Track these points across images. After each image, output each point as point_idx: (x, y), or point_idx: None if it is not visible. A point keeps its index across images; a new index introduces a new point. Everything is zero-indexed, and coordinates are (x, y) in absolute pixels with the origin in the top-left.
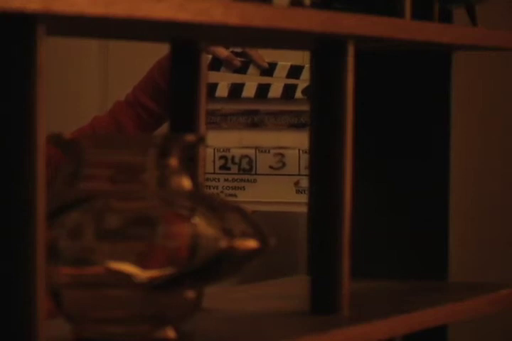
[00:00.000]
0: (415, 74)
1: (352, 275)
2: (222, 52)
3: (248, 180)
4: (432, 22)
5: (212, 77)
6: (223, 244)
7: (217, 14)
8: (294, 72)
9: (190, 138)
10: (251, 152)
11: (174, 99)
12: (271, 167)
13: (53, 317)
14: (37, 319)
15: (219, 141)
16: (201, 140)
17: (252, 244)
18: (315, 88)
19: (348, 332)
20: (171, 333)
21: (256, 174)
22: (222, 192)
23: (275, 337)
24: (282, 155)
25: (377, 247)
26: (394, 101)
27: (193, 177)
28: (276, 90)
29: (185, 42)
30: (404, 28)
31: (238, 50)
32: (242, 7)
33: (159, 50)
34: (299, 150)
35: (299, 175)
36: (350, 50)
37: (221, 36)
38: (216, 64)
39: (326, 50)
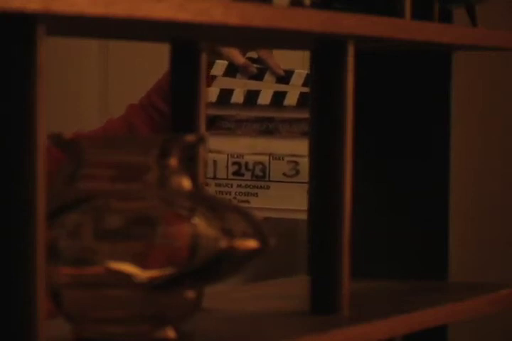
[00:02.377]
0: (415, 74)
1: (352, 275)
2: (239, 58)
3: (261, 187)
4: (432, 22)
5: (228, 83)
6: (223, 244)
7: (217, 14)
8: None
9: (190, 138)
10: (264, 159)
11: (174, 99)
12: (284, 174)
13: (53, 317)
14: (37, 319)
15: (233, 147)
16: (201, 140)
17: (252, 244)
18: (315, 88)
19: (348, 332)
20: (171, 333)
21: (269, 181)
22: (235, 198)
23: (275, 337)
24: (296, 162)
25: (377, 247)
26: (394, 101)
27: (193, 177)
28: (292, 98)
29: (185, 42)
30: (404, 28)
31: (254, 56)
32: (242, 7)
33: (159, 50)
34: None
35: None
36: (350, 50)
37: (221, 36)
38: (232, 70)
39: (326, 50)
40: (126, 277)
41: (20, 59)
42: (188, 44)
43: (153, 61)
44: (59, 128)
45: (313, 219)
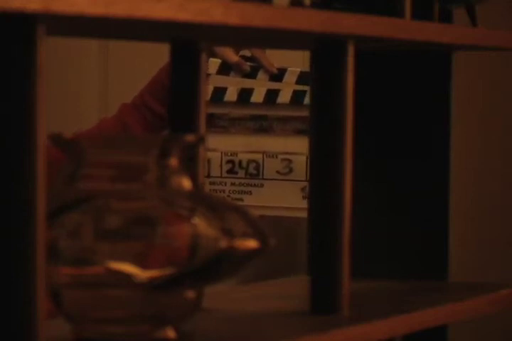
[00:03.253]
0: (415, 74)
1: (352, 275)
2: (232, 56)
3: (255, 185)
4: (432, 22)
5: (222, 81)
6: (223, 244)
7: (217, 14)
8: (304, 77)
9: (190, 138)
10: (258, 157)
11: (174, 99)
12: (278, 172)
13: (53, 317)
14: (37, 319)
15: (226, 145)
16: (201, 140)
17: (252, 244)
18: (315, 88)
19: (348, 332)
20: (171, 333)
21: (263, 179)
22: (228, 196)
23: (275, 337)
24: (290, 160)
25: (377, 247)
26: (394, 101)
27: (193, 177)
28: (285, 96)
29: (185, 42)
30: (404, 28)
31: (248, 54)
32: (242, 7)
33: (159, 50)
34: (306, 156)
35: (306, 180)
36: (350, 50)
37: (221, 36)
38: (225, 68)
39: (326, 50)
40: (126, 277)
41: (20, 59)
42: (188, 44)
43: (153, 61)
44: (59, 128)
45: (313, 219)
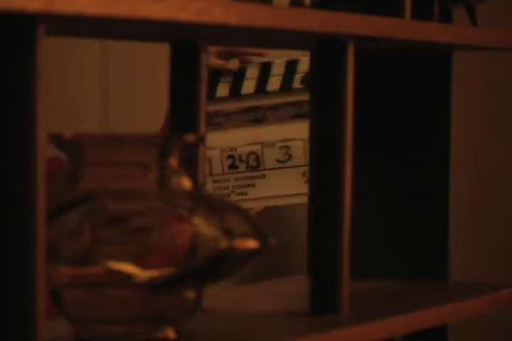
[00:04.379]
0: (415, 74)
1: (352, 275)
2: (215, 61)
3: (257, 177)
4: (432, 22)
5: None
6: (223, 244)
7: (217, 14)
8: (291, 67)
9: (190, 138)
10: (257, 148)
11: (174, 99)
12: (278, 160)
13: (53, 317)
14: (37, 319)
15: (225, 141)
16: (201, 140)
17: (252, 244)
18: (315, 88)
19: (348, 332)
20: (171, 333)
21: (264, 169)
22: (232, 191)
23: (275, 337)
24: (287, 147)
25: (377, 247)
26: (394, 101)
27: (193, 177)
28: (274, 83)
29: (185, 42)
30: (404, 28)
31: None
32: (242, 7)
33: (159, 50)
34: (303, 140)
35: (305, 165)
36: (350, 50)
37: (221, 36)
38: (215, 75)
39: (326, 50)
40: (126, 277)
41: (20, 59)
42: (188, 44)
43: (153, 61)
44: (59, 128)
45: (313, 219)
